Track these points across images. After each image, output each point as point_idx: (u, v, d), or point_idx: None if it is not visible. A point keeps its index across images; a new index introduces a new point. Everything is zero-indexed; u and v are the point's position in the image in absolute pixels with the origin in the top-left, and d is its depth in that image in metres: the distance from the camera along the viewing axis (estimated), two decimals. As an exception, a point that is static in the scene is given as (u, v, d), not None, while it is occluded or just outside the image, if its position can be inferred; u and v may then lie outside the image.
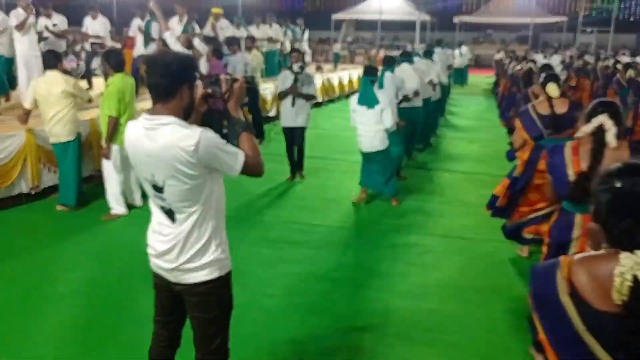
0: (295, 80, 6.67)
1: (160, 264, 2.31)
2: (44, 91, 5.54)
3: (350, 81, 16.03)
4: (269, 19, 12.96)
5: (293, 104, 6.69)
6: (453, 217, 5.97)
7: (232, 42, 8.05)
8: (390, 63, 6.88)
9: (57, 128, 5.63)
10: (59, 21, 9.82)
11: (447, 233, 5.48)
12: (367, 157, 6.10)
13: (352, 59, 25.65)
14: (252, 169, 2.20)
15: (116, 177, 5.60)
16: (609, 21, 27.07)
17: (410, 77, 7.36)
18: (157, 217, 2.31)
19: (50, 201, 6.10)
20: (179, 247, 2.23)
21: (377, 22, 30.22)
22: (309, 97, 6.81)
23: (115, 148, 5.49)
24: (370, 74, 6.00)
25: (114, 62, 5.50)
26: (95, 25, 10.42)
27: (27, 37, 8.39)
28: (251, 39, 8.90)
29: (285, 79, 6.82)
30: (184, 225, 2.20)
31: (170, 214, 2.22)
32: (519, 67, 9.08)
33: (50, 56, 5.73)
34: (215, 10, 11.70)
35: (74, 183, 5.84)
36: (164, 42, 7.13)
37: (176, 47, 6.71)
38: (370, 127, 5.87)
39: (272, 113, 11.11)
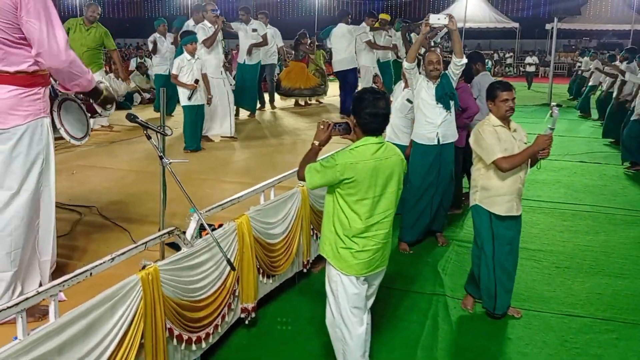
0: None
1: None
2: None
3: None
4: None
5: None
6: None
7: (476, 58, 6.33)
8: None
9: None
10: (257, 25, 8.96)
11: None
12: None
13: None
14: None
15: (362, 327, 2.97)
16: None
17: None
18: None
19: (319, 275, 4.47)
20: None
21: (462, 30, 28.66)
22: None
23: (346, 280, 2.86)
24: None
25: (365, 118, 2.74)
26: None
27: (214, 54, 6.91)
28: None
29: None
30: None
31: None
32: None
33: None
34: (384, 16, 10.19)
35: None
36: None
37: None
38: None
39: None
